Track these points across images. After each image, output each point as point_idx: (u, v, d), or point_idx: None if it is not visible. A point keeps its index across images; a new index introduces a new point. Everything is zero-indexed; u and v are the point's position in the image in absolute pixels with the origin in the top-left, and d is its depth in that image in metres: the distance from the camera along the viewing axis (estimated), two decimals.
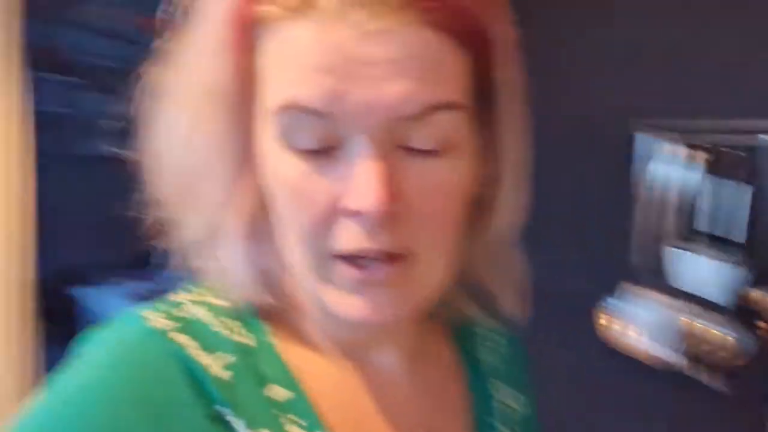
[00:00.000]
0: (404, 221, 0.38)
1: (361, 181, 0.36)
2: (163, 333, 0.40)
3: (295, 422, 0.42)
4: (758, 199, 1.05)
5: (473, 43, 0.38)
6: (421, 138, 0.37)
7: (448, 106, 0.37)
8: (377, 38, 0.35)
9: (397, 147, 0.37)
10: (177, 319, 0.42)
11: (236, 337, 0.43)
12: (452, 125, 0.38)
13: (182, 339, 0.40)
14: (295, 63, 0.36)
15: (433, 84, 0.36)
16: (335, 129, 0.37)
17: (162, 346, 0.39)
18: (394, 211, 0.37)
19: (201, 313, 0.43)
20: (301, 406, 0.43)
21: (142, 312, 0.42)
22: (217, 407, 0.39)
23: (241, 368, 0.41)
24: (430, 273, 0.41)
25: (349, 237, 0.38)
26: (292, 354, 0.45)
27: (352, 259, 0.39)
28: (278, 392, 0.42)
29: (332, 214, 0.38)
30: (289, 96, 0.36)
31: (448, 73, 0.37)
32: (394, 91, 0.35)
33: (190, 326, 0.41)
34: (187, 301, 0.44)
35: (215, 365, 0.40)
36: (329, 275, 0.40)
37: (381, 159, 0.36)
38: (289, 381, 0.43)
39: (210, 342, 0.41)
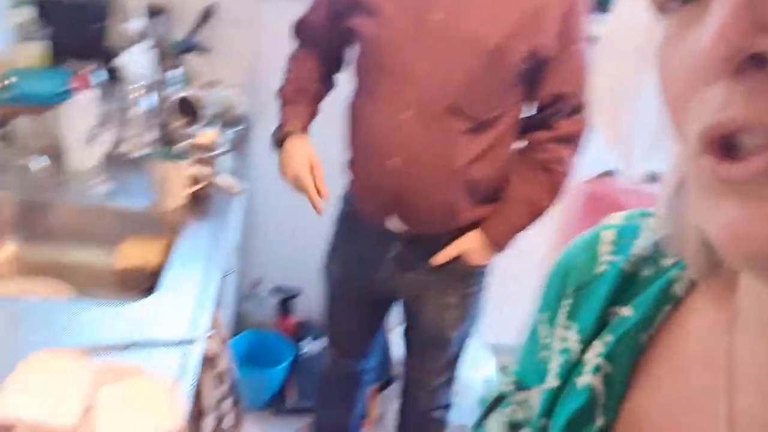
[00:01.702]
0: None
1: (713, 16, 0.24)
2: (603, 226, 0.45)
3: (599, 347, 0.40)
4: None
5: None
6: None
7: None
8: None
9: None
10: (628, 219, 0.44)
11: (643, 254, 0.41)
12: None
13: (607, 233, 0.44)
14: None
15: None
16: None
17: (594, 234, 0.45)
18: (760, 57, 0.23)
19: (650, 225, 0.43)
20: (627, 341, 0.38)
21: (624, 212, 0.46)
22: (571, 289, 0.44)
23: (615, 276, 0.41)
24: None
25: (704, 109, 0.25)
26: (695, 309, 0.37)
27: (715, 151, 0.26)
28: (621, 312, 0.40)
29: (693, 79, 0.26)
30: None
31: None
32: None
33: (625, 228, 0.44)
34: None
35: (604, 262, 0.43)
36: (702, 179, 0.27)
37: None
38: (646, 311, 0.38)
39: (621, 245, 0.43)
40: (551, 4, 1.17)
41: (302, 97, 1.40)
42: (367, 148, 1.30)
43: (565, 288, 0.45)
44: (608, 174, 2.17)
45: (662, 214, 0.36)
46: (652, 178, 2.15)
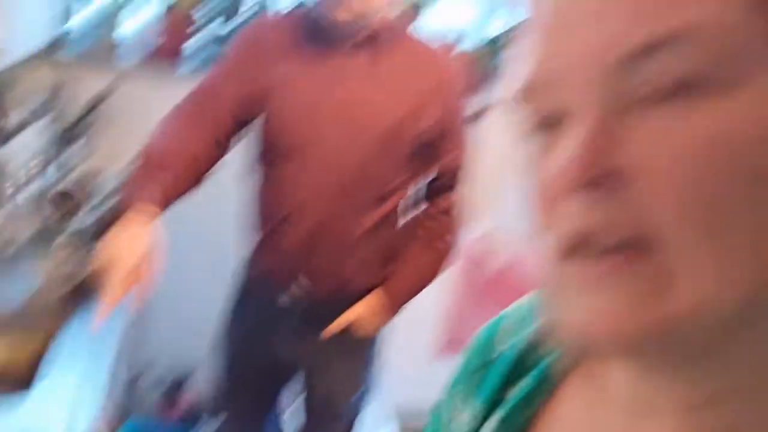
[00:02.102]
0: (632, 201, 0.28)
1: (566, 146, 0.29)
2: (502, 316, 0.48)
3: (489, 426, 0.43)
4: None
5: None
6: (651, 87, 0.28)
7: (681, 35, 0.27)
8: None
9: (629, 104, 0.29)
10: (531, 303, 0.47)
11: (537, 337, 0.44)
12: (697, 59, 0.27)
13: (505, 323, 0.47)
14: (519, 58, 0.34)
15: (658, 10, 0.27)
16: (555, 101, 0.31)
17: (494, 324, 0.48)
18: (604, 178, 0.28)
19: (524, 310, 0.46)
20: (511, 420, 0.42)
21: (524, 298, 0.49)
22: (472, 371, 0.47)
23: (510, 359, 0.44)
24: (686, 272, 0.28)
25: (561, 217, 0.30)
26: (570, 390, 0.41)
27: (573, 254, 0.30)
28: (511, 393, 0.43)
29: (552, 195, 0.31)
30: (510, 87, 0.34)
31: None
32: (601, 31, 0.28)
33: (520, 320, 0.46)
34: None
35: (504, 344, 0.46)
36: (561, 277, 0.32)
37: (593, 116, 0.29)
38: (528, 391, 0.42)
39: (521, 328, 0.46)
40: (445, 84, 1.30)
41: (173, 161, 1.18)
42: (274, 216, 1.34)
43: (468, 369, 0.48)
44: (486, 235, 2.33)
45: (538, 304, 0.40)
46: (526, 238, 2.33)
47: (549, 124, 0.32)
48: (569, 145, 0.29)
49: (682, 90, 0.27)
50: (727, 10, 0.27)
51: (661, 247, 0.28)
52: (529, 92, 0.32)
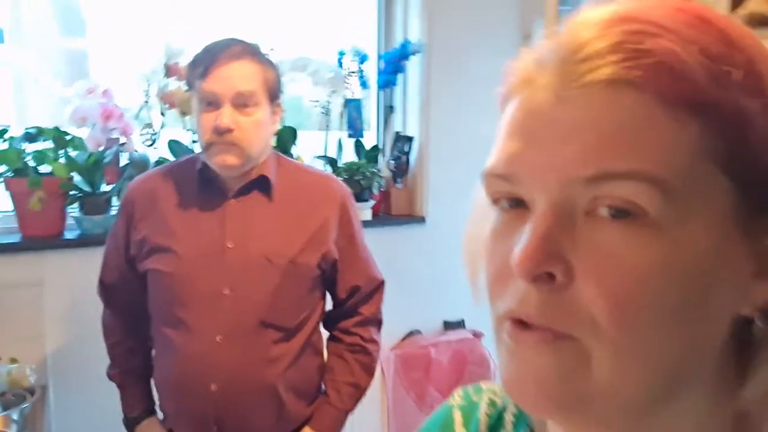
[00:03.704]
0: (570, 296, 0.33)
1: (523, 237, 0.34)
2: (450, 407, 0.53)
3: None
4: None
5: (700, 113, 0.32)
6: (603, 205, 0.33)
7: (632, 176, 0.32)
8: (569, 100, 0.34)
9: (583, 213, 0.34)
10: (466, 398, 0.52)
11: (487, 424, 0.48)
12: (643, 197, 0.32)
13: (456, 415, 0.52)
14: (499, 136, 0.38)
15: (616, 149, 0.32)
16: (521, 191, 0.36)
17: (445, 415, 0.53)
18: (551, 274, 0.33)
19: (485, 399, 0.51)
20: None
21: (461, 390, 0.54)
22: None
23: None
24: (602, 363, 0.33)
25: (509, 295, 0.36)
26: None
27: (517, 321, 0.35)
28: None
29: (506, 272, 0.36)
30: (486, 164, 0.38)
31: (644, 139, 0.32)
32: (566, 152, 0.33)
33: (468, 407, 0.52)
34: (490, 390, 0.52)
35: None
36: (502, 340, 0.37)
37: (549, 218, 0.34)
38: None
39: (470, 419, 0.51)
40: (330, 216, 1.34)
41: (131, 378, 1.42)
42: (183, 376, 1.29)
43: None
44: (412, 334, 2.23)
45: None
46: (448, 327, 2.22)
47: (511, 202, 0.37)
48: (526, 235, 0.34)
49: (630, 216, 0.32)
50: (674, 158, 0.32)
51: (583, 338, 0.33)
52: (494, 177, 0.37)
